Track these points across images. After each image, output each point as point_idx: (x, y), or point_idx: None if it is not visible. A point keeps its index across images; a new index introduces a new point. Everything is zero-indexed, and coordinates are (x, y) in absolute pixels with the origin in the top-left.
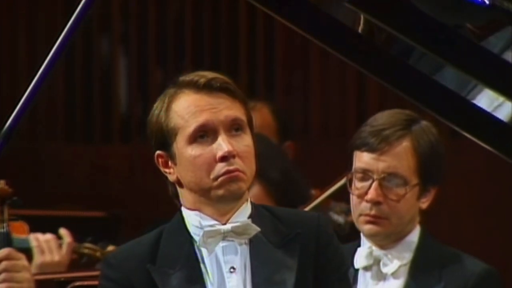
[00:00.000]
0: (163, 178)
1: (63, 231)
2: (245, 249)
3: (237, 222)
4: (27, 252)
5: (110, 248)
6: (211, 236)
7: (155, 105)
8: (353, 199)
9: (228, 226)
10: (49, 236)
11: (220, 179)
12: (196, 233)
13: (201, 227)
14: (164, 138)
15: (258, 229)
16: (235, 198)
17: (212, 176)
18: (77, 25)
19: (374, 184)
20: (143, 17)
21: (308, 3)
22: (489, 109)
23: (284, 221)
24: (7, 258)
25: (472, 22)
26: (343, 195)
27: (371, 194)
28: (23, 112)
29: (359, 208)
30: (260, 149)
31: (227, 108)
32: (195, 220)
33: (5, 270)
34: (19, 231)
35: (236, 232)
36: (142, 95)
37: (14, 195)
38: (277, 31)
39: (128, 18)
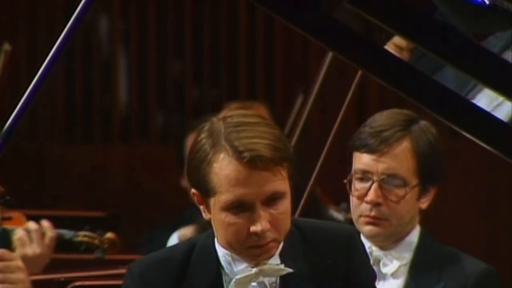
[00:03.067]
0: (163, 179)
1: (45, 224)
2: (275, 286)
3: (269, 265)
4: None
5: (109, 235)
6: (243, 282)
7: (199, 142)
8: (353, 200)
9: (259, 270)
10: (32, 226)
11: (250, 250)
12: (226, 268)
13: (232, 271)
14: (202, 188)
15: (290, 270)
16: (264, 261)
17: (243, 246)
18: (77, 25)
19: (374, 186)
20: (143, 17)
21: (308, 3)
22: (489, 109)
23: (315, 246)
24: (0, 259)
25: (493, 30)
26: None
27: (371, 196)
28: (23, 112)
29: (359, 209)
30: None
31: (266, 185)
32: (226, 259)
33: None
34: (16, 223)
35: (267, 274)
36: (142, 95)
37: (7, 194)
38: (277, 31)
39: (128, 18)
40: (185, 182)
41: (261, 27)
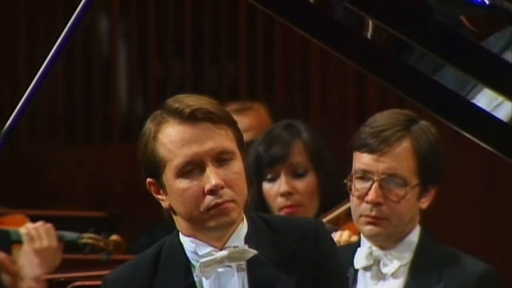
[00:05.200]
0: None
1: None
2: (243, 271)
3: (233, 247)
4: (22, 243)
5: (114, 237)
6: (208, 265)
7: (143, 130)
8: (353, 200)
9: (224, 253)
10: (38, 223)
11: (210, 212)
12: (193, 258)
13: (198, 256)
14: (153, 168)
15: (255, 252)
16: (227, 227)
17: (202, 209)
18: (77, 25)
19: (374, 185)
20: (143, 17)
21: (308, 3)
22: (489, 109)
23: (281, 234)
24: None
25: (468, 14)
26: None
27: (371, 195)
28: (23, 112)
29: (360, 209)
30: (318, 139)
31: (212, 139)
32: (191, 247)
33: None
34: (19, 224)
35: (232, 258)
36: (142, 95)
37: None
38: (277, 31)
39: (128, 18)
40: None
41: (261, 27)
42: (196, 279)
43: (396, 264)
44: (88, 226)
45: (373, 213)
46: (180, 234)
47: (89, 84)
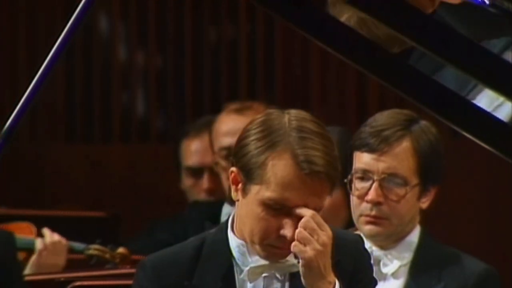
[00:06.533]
0: (163, 179)
1: (46, 231)
2: (286, 278)
3: (282, 262)
4: (32, 252)
5: (120, 250)
6: (256, 273)
7: (259, 130)
8: (353, 199)
9: (272, 264)
10: (56, 237)
11: (269, 248)
12: (239, 259)
13: (246, 259)
14: (248, 173)
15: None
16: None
17: (264, 242)
18: (77, 25)
19: (375, 185)
20: (143, 17)
21: (308, 3)
22: (489, 109)
23: None
24: None
25: (502, 35)
26: None
27: (371, 195)
28: (23, 112)
29: (360, 208)
30: (346, 150)
31: (314, 197)
32: (240, 250)
33: None
34: (25, 232)
35: (280, 268)
36: (142, 95)
37: None
38: (277, 31)
39: (128, 18)
40: (183, 185)
41: (261, 27)
42: (236, 277)
43: (396, 264)
44: (88, 226)
45: (373, 213)
46: (229, 232)
47: (89, 84)
